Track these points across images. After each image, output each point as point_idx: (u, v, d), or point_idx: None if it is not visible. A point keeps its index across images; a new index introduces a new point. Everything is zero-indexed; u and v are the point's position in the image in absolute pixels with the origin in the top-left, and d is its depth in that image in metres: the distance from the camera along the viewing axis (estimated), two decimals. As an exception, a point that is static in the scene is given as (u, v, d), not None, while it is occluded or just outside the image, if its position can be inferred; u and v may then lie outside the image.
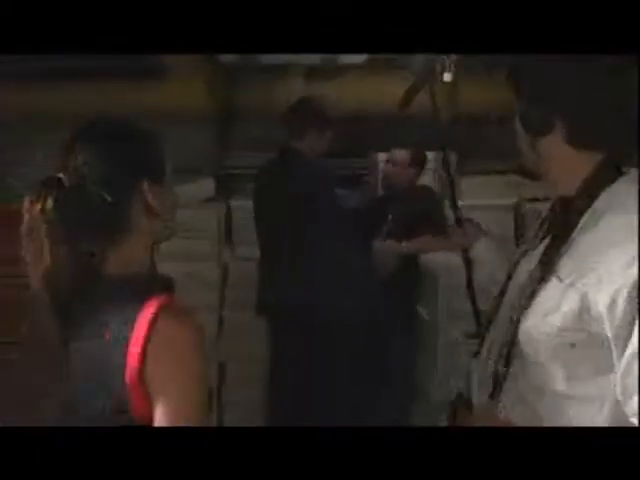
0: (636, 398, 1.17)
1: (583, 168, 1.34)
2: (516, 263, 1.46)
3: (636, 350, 1.18)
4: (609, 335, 1.22)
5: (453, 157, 4.12)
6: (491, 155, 3.93)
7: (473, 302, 1.98)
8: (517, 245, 1.55)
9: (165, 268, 1.33)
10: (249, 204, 3.28)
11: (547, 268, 1.32)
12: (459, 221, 1.94)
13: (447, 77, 3.00)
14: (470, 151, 4.16)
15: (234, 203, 3.81)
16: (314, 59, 4.10)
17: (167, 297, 1.22)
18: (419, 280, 3.46)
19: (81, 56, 1.21)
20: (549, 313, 1.29)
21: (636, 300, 1.19)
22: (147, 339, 1.14)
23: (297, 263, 3.01)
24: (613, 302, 1.20)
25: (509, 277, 1.46)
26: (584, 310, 1.25)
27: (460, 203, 3.75)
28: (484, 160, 4.07)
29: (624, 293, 1.20)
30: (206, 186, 3.92)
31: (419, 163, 3.55)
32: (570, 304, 1.26)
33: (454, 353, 3.32)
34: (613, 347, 1.22)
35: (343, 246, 3.13)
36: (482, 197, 3.88)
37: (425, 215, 3.36)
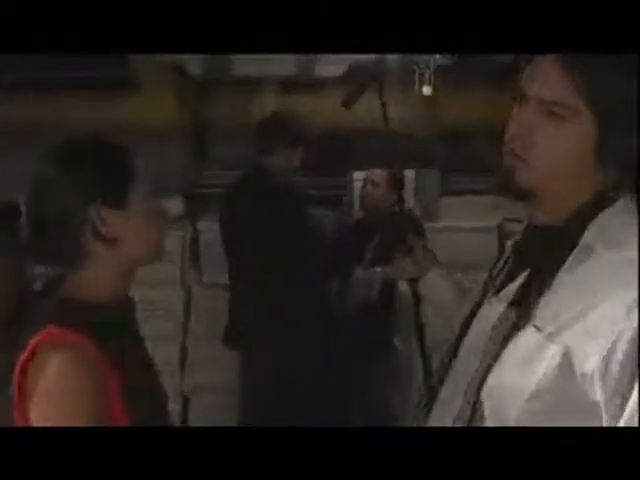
0: None
1: (584, 190, 1.11)
2: (479, 303, 1.22)
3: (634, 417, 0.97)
4: (599, 400, 1.00)
5: (435, 175, 3.97)
6: (473, 173, 3.77)
7: (421, 348, 1.76)
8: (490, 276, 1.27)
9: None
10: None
11: (521, 313, 1.09)
12: (409, 248, 1.66)
13: (426, 90, 2.85)
14: (452, 168, 4.00)
15: (202, 224, 3.57)
16: (289, 71, 3.94)
17: (57, 328, 1.17)
18: (395, 310, 3.24)
19: (65, 56, 1.21)
20: (522, 371, 1.06)
21: (635, 358, 0.98)
22: (23, 364, 1.15)
23: (265, 294, 2.81)
24: (605, 360, 0.99)
25: (469, 320, 1.22)
26: (566, 370, 1.02)
27: (439, 225, 3.68)
28: (467, 178, 3.88)
29: (619, 349, 0.98)
30: (173, 206, 3.69)
31: (397, 183, 3.34)
32: (549, 361, 1.03)
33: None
34: (604, 414, 1.00)
35: (316, 276, 2.92)
36: (463, 218, 3.69)
37: (405, 240, 3.15)
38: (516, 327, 1.08)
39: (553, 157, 1.09)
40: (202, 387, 3.38)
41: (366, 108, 2.00)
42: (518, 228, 3.80)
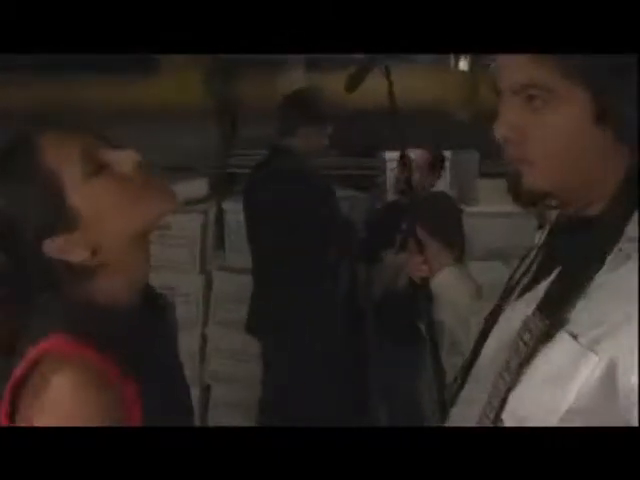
0: None
1: (611, 171, 0.95)
2: (500, 305, 1.06)
3: None
4: None
5: (473, 156, 3.75)
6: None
7: (435, 356, 1.61)
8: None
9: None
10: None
11: (552, 318, 0.91)
12: (419, 244, 1.53)
13: (463, 65, 2.67)
14: (490, 150, 3.77)
15: (228, 205, 3.38)
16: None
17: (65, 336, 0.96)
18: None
19: (81, 55, 1.14)
20: (553, 388, 0.90)
21: None
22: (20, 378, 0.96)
23: (288, 281, 2.66)
24: None
25: (488, 326, 1.05)
26: (608, 385, 0.87)
27: (476, 209, 3.47)
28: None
29: None
30: (198, 186, 3.56)
31: (439, 166, 3.14)
32: (588, 375, 0.87)
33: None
34: None
35: (343, 262, 2.77)
36: (502, 203, 3.47)
37: (443, 226, 2.97)
38: (546, 335, 0.91)
39: (553, 147, 0.94)
40: (223, 377, 3.24)
41: (399, 87, 1.92)
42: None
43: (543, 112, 0.93)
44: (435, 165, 3.10)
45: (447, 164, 3.23)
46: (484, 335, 1.05)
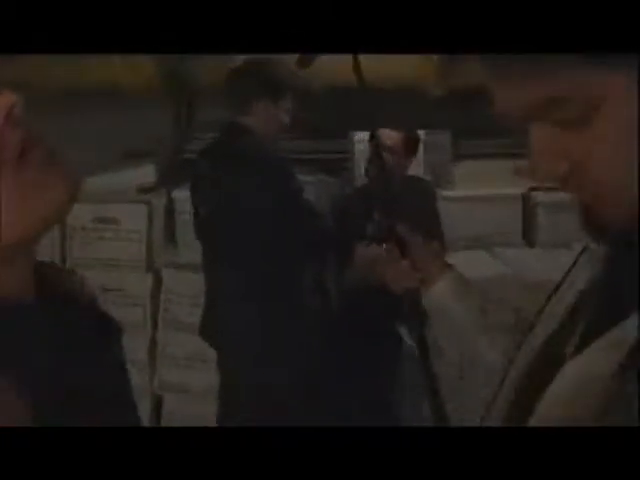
0: None
1: None
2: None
3: None
4: None
5: (447, 137, 3.44)
6: (492, 135, 3.26)
7: (431, 391, 1.28)
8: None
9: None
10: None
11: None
12: (400, 242, 1.19)
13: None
14: (467, 130, 3.48)
15: (180, 194, 3.01)
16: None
17: None
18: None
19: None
20: None
21: None
22: None
23: (246, 279, 2.32)
24: None
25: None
26: None
27: (451, 193, 3.17)
28: (484, 141, 3.37)
29: None
30: (146, 173, 3.21)
31: (413, 147, 2.81)
32: None
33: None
34: None
35: (309, 255, 2.46)
36: (480, 186, 3.18)
37: (422, 216, 2.67)
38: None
39: (610, 169, 0.71)
40: (175, 387, 2.90)
41: (368, 62, 1.73)
42: (546, 198, 3.15)
43: (575, 128, 0.73)
44: (409, 147, 2.78)
45: (421, 146, 2.92)
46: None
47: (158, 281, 2.86)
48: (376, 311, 2.60)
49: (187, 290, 2.73)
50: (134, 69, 3.40)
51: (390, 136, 2.74)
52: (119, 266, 2.75)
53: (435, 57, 3.56)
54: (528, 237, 3.15)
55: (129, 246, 2.76)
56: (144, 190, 3.11)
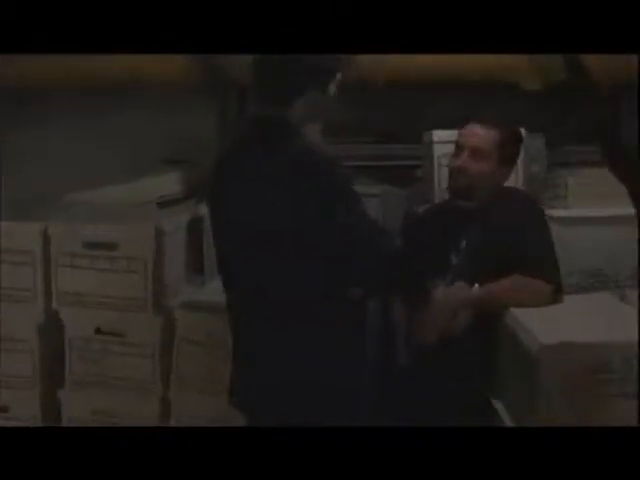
0: None
1: None
2: None
3: None
4: None
5: (539, 142, 2.69)
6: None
7: None
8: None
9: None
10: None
11: None
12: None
13: None
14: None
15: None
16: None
17: None
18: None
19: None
20: None
21: None
22: None
23: (290, 324, 1.66)
24: None
25: None
26: None
27: (563, 213, 2.43)
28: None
29: None
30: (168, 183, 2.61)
31: (512, 150, 2.09)
32: None
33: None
34: None
35: (364, 299, 1.76)
36: (596, 203, 2.44)
37: (521, 241, 1.95)
38: None
39: None
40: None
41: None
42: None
43: None
44: (506, 149, 2.06)
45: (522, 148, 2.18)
46: None
47: (171, 326, 2.20)
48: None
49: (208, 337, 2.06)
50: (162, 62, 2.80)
51: (481, 135, 2.02)
52: (117, 305, 2.09)
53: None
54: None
55: (130, 279, 2.09)
56: (165, 204, 2.47)
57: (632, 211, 2.38)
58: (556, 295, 1.91)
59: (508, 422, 1.72)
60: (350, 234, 1.66)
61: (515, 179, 2.33)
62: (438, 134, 2.45)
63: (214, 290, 2.05)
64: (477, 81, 2.81)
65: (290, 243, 1.64)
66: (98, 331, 2.14)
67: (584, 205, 2.45)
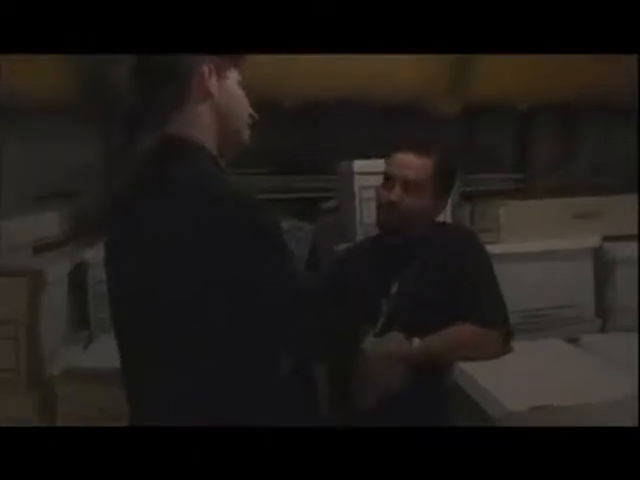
0: None
1: None
2: None
3: None
4: None
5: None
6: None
7: None
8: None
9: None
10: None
11: None
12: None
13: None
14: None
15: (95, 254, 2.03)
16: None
17: None
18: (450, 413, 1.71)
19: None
20: None
21: None
22: None
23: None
24: None
25: None
26: None
27: (498, 249, 2.21)
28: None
29: None
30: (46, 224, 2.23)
31: (446, 180, 1.84)
32: None
33: None
34: None
35: (290, 352, 1.39)
36: (532, 236, 2.25)
37: (464, 284, 1.69)
38: None
39: None
40: None
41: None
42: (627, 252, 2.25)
43: None
44: (439, 179, 1.81)
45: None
46: None
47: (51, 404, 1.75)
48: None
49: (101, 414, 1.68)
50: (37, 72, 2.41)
51: (414, 166, 1.77)
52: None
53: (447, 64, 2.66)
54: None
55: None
56: (40, 249, 2.10)
57: (568, 245, 2.23)
58: (506, 344, 1.68)
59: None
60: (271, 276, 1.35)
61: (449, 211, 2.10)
62: (358, 164, 2.19)
63: (103, 350, 1.70)
64: (392, 104, 2.61)
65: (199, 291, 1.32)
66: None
67: (517, 239, 2.24)
